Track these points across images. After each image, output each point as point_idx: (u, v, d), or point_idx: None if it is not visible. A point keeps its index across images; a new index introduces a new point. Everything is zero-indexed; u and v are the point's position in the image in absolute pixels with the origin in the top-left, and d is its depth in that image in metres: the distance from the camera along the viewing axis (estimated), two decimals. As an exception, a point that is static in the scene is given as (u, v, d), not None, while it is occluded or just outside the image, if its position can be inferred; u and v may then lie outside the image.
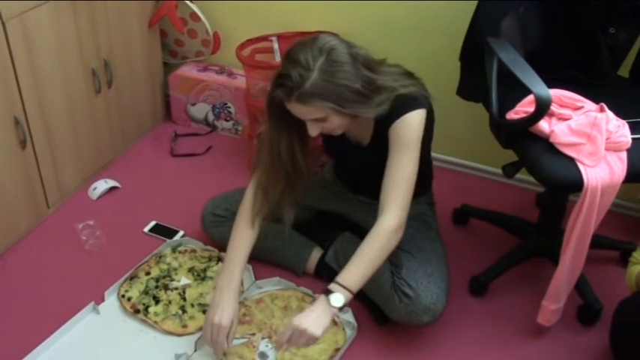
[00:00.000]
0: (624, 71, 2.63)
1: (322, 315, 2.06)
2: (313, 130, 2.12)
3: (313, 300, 2.45)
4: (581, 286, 2.44)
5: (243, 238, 2.34)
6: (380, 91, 2.08)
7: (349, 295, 2.09)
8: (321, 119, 2.06)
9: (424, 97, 2.17)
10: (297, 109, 2.04)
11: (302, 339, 2.04)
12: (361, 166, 2.40)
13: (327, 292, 2.08)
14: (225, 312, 2.19)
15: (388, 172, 2.16)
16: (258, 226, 2.36)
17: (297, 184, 2.32)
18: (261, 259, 2.65)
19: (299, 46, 2.04)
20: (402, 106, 2.13)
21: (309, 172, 2.36)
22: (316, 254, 2.62)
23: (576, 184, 2.08)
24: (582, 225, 2.13)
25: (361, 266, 2.13)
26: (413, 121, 2.13)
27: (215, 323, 2.18)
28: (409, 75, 2.23)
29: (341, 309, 2.08)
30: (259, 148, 2.33)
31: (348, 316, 2.43)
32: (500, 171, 2.49)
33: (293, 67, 1.99)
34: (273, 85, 2.06)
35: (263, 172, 2.31)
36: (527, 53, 2.35)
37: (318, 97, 1.98)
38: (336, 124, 2.10)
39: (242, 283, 2.53)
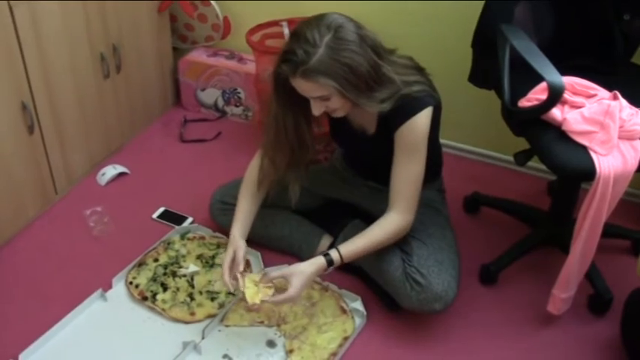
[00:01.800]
0: (638, 59, 2.60)
1: (311, 281, 2.25)
2: (316, 109, 2.11)
3: (322, 288, 2.46)
4: (591, 275, 2.42)
5: (246, 202, 2.41)
6: (383, 81, 2.06)
7: (338, 266, 2.24)
8: (324, 98, 2.05)
9: (429, 95, 2.15)
10: (301, 85, 2.03)
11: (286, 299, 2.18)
12: (368, 153, 2.39)
13: (329, 262, 2.21)
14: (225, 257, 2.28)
15: (396, 173, 2.21)
16: (263, 192, 2.42)
17: (303, 159, 2.34)
18: (270, 247, 2.65)
19: (306, 23, 2.03)
20: (406, 108, 2.12)
21: (314, 148, 2.36)
22: (325, 242, 2.60)
23: (589, 173, 2.06)
24: (594, 214, 2.10)
25: (365, 246, 2.24)
26: (419, 124, 2.13)
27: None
28: (418, 69, 2.21)
29: None
30: (265, 122, 2.32)
31: (358, 305, 2.42)
32: (511, 158, 2.47)
33: (299, 43, 1.98)
34: (278, 61, 2.05)
35: (269, 145, 2.32)
36: (540, 40, 2.32)
37: (322, 74, 1.97)
38: (338, 105, 2.09)
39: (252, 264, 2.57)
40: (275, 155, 2.32)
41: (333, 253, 2.20)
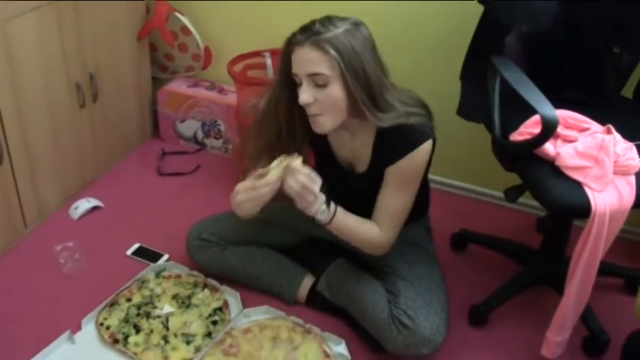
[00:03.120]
0: (627, 92, 2.56)
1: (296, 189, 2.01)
2: (306, 93, 1.98)
3: (305, 331, 2.36)
4: (586, 316, 2.33)
5: None
6: (385, 96, 2.01)
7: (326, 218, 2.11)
8: (321, 81, 1.96)
9: (429, 127, 2.10)
10: (307, 54, 1.95)
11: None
12: (355, 193, 2.28)
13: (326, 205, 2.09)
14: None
15: (385, 200, 2.16)
16: None
17: (287, 147, 2.15)
18: (249, 286, 2.55)
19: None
20: (406, 140, 2.06)
21: (302, 140, 2.23)
22: (308, 282, 2.51)
23: (583, 210, 1.98)
24: (589, 253, 2.03)
25: (353, 226, 2.17)
26: (419, 157, 2.08)
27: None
28: (422, 104, 2.16)
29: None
30: (260, 104, 2.23)
31: (342, 348, 2.32)
32: (500, 194, 2.41)
33: (319, 21, 1.98)
34: (293, 33, 2.00)
35: (256, 124, 2.23)
36: (530, 72, 2.26)
37: (333, 47, 1.92)
38: (331, 98, 1.98)
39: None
40: (259, 137, 2.21)
41: (332, 205, 2.11)
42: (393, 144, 2.06)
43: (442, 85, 2.78)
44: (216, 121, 3.36)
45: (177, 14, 3.24)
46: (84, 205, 2.97)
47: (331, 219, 2.11)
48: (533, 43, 2.43)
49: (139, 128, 3.44)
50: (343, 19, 1.98)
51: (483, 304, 2.46)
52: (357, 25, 1.98)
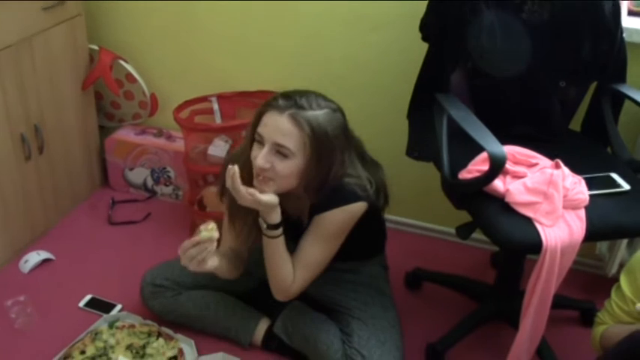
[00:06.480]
0: (575, 125, 2.58)
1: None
2: (264, 159, 1.97)
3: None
4: (542, 350, 2.33)
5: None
6: (333, 180, 2.06)
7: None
8: (284, 152, 1.96)
9: (367, 192, 2.10)
10: (281, 122, 1.95)
11: None
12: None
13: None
14: None
15: (303, 246, 2.17)
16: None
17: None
18: (205, 332, 2.52)
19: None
20: (336, 198, 2.08)
21: None
22: (263, 325, 2.50)
23: (535, 246, 1.99)
24: (542, 288, 2.04)
25: (280, 255, 2.15)
26: (341, 215, 2.11)
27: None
28: (371, 162, 2.22)
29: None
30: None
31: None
32: (452, 231, 2.41)
33: (305, 95, 2.00)
34: (275, 96, 2.02)
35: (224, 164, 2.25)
36: (477, 109, 2.28)
37: (310, 127, 1.94)
38: (288, 171, 2.00)
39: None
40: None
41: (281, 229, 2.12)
42: (325, 198, 2.07)
43: (392, 125, 2.79)
44: (165, 168, 3.33)
45: (122, 62, 3.22)
46: (34, 258, 2.91)
47: (276, 237, 2.11)
48: (479, 80, 2.43)
49: (87, 178, 3.39)
50: (326, 101, 2.03)
51: (440, 342, 2.45)
52: (335, 110, 2.03)
